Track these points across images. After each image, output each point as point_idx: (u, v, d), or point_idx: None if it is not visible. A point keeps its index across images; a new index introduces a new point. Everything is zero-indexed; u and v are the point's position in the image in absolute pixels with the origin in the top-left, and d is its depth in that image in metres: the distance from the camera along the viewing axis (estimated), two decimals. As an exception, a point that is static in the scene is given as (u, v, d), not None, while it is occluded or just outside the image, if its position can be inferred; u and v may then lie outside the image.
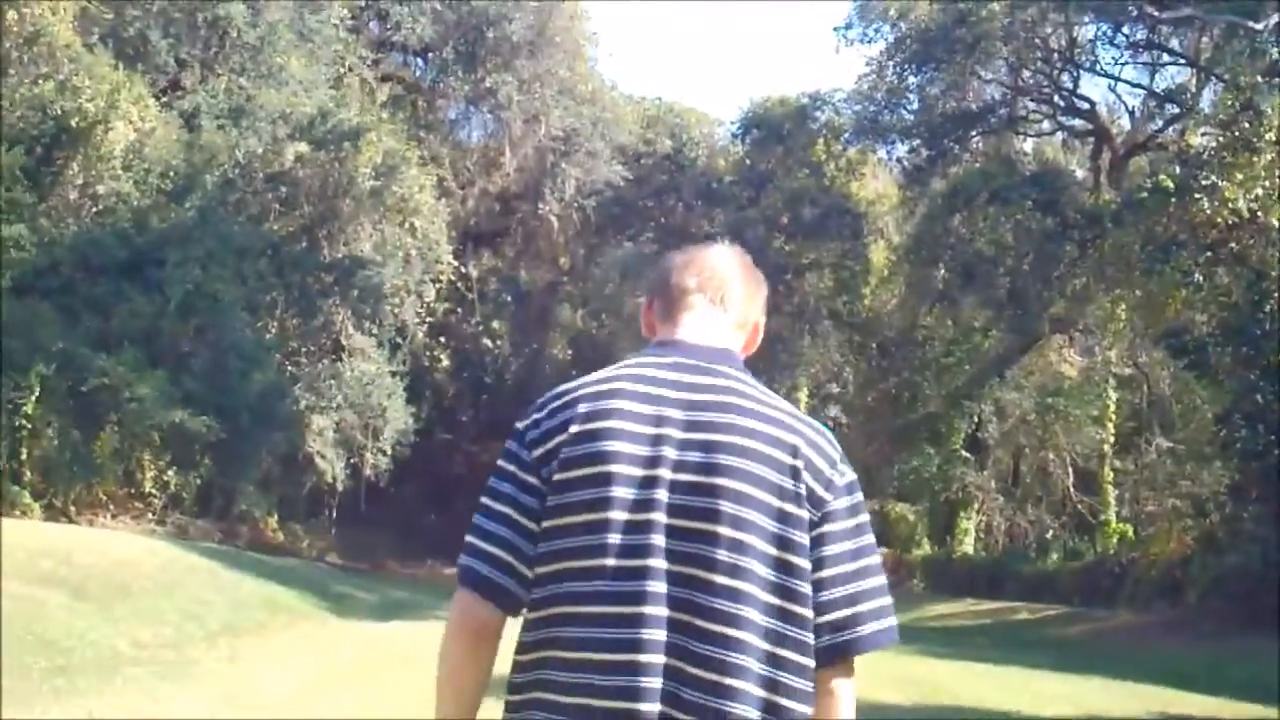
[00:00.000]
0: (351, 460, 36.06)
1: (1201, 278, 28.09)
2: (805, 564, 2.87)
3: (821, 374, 45.40)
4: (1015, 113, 42.69)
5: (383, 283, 36.10)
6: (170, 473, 30.94)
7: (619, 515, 2.85)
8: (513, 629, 3.09)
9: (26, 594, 17.11)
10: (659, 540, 2.83)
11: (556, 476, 2.92)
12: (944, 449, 42.07)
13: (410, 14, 42.57)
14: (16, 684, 13.20)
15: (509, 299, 48.16)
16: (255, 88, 35.70)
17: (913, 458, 42.45)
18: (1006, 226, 38.29)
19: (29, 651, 14.61)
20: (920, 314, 42.66)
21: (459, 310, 45.85)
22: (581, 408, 2.95)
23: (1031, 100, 42.86)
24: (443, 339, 45.04)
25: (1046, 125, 44.14)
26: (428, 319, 40.63)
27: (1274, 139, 26.32)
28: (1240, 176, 25.95)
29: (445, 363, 45.85)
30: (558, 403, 3.00)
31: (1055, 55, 40.18)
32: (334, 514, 38.32)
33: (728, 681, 2.80)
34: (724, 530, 2.84)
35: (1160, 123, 41.05)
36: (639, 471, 2.88)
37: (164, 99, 34.72)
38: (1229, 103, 28.72)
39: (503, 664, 3.10)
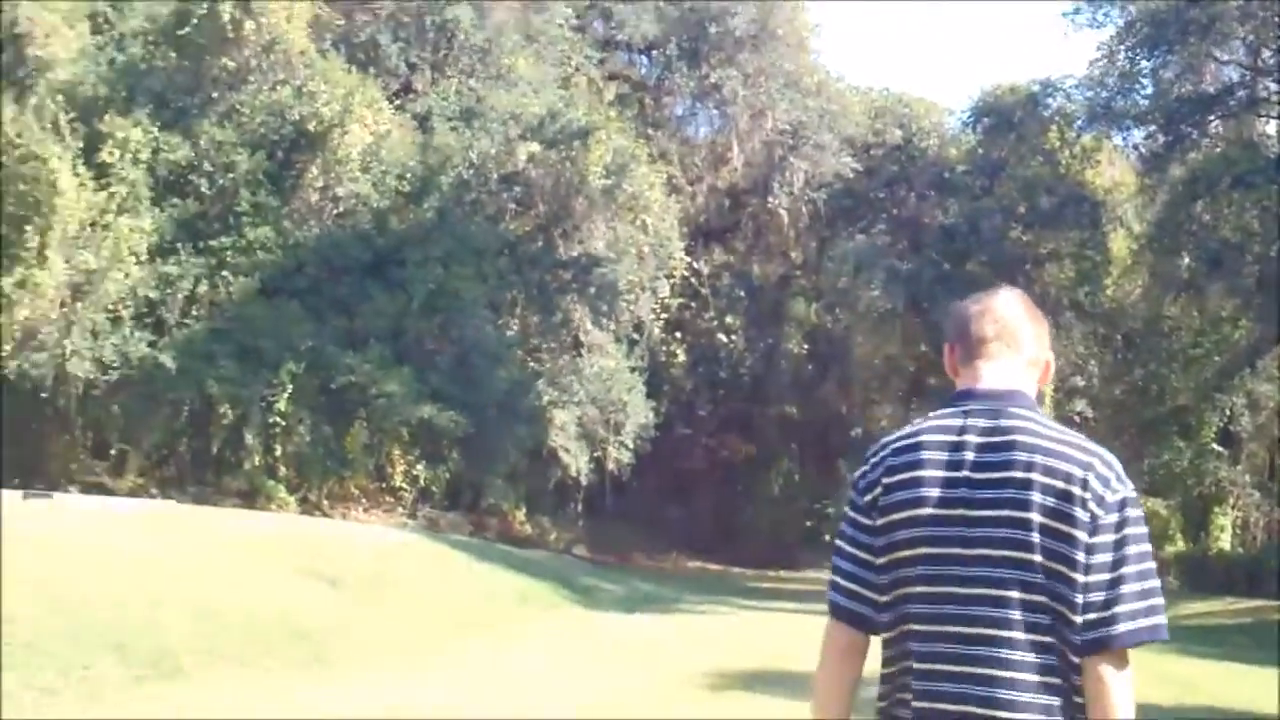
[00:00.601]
0: (594, 454, 36.35)
1: None
2: (1080, 577, 3.32)
3: (1066, 367, 44.14)
4: (1256, 94, 40.77)
5: (617, 280, 36.34)
6: (419, 467, 31.61)
7: (929, 550, 3.41)
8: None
9: (283, 585, 17.56)
10: (961, 570, 3.37)
11: (880, 520, 3.49)
12: (1195, 442, 40.58)
13: (634, 12, 42.85)
14: (275, 673, 13.52)
15: (741, 294, 47.98)
16: (485, 89, 36.36)
17: (1163, 451, 41.06)
18: (1252, 213, 36.72)
19: (287, 642, 14.96)
20: (1165, 304, 41.16)
21: (693, 306, 45.89)
22: (893, 460, 3.51)
23: (1273, 81, 40.93)
24: (678, 334, 45.13)
25: (1290, 106, 42.09)
26: (663, 315, 40.78)
27: None
28: None
29: (681, 358, 45.92)
30: (875, 457, 3.57)
31: (1297, 34, 38.25)
32: (580, 507, 38.73)
33: (1026, 678, 3.32)
34: (1011, 553, 3.34)
35: None
36: (941, 511, 3.41)
37: (397, 102, 35.57)
38: None
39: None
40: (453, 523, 32.05)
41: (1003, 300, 3.73)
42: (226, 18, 30.17)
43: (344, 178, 32.23)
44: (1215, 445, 40.41)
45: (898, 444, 3.55)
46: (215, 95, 32.05)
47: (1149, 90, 40.75)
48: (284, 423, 29.34)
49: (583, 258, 36.17)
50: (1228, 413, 40.41)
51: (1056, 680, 3.32)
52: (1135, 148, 43.89)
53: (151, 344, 29.02)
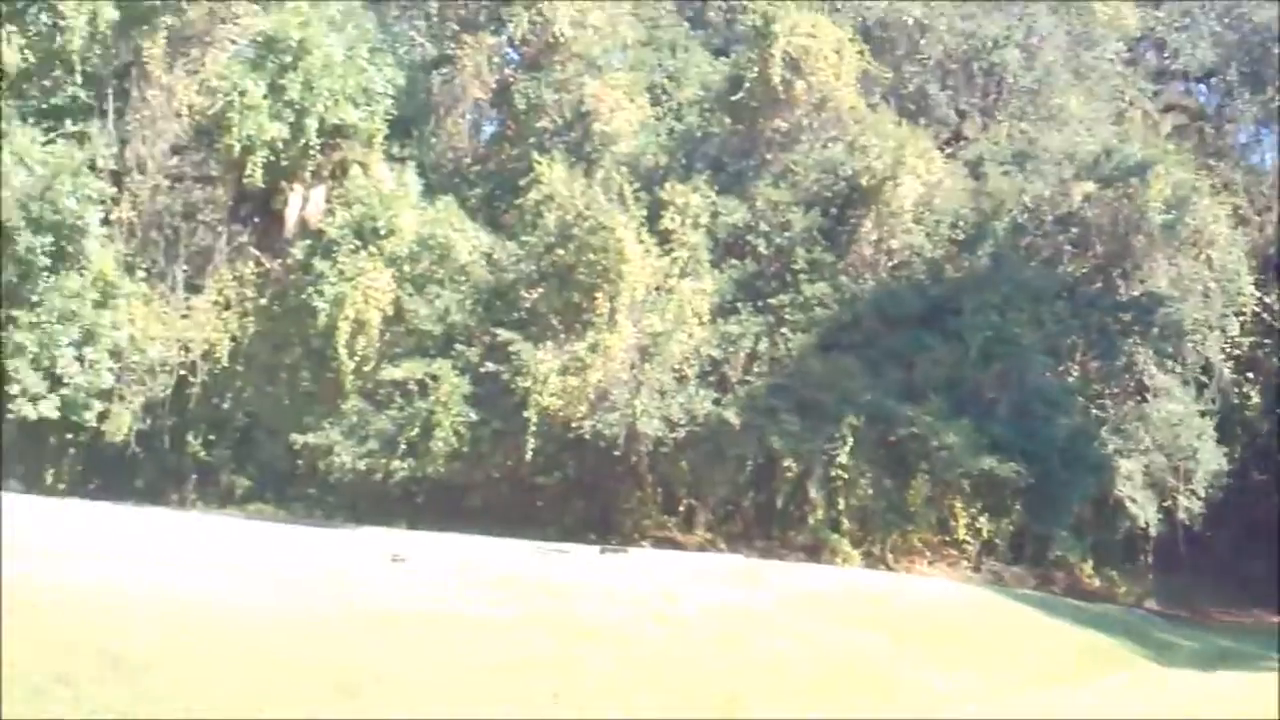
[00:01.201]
0: (1163, 504, 34.47)
1: None
2: None
3: None
4: None
5: (1182, 319, 34.46)
6: (982, 519, 30.92)
7: None
8: None
9: (846, 637, 17.46)
10: None
11: None
12: None
13: (1189, 39, 40.86)
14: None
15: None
16: (1036, 130, 35.67)
17: None
18: None
19: (850, 690, 14.81)
20: None
21: (1266, 344, 42.73)
22: None
23: None
24: (1250, 375, 42.13)
25: None
26: (1233, 354, 38.24)
27: None
28: None
29: (1255, 400, 42.82)
30: None
31: None
32: (1149, 559, 36.79)
33: None
34: None
35: None
36: None
37: (948, 150, 35.31)
38: None
39: None
40: (1017, 576, 31.18)
41: None
42: (777, 80, 30.89)
43: (897, 229, 32.24)
44: None
45: None
46: (769, 156, 32.90)
47: None
48: (846, 476, 29.42)
49: (1144, 297, 34.52)
50: None
51: None
52: None
53: (716, 401, 29.86)
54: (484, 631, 15.24)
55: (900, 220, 32.21)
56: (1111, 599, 33.05)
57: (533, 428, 28.50)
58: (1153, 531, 34.54)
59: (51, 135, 31.47)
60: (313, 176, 33.20)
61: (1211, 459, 34.76)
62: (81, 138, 31.70)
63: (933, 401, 29.83)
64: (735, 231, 32.08)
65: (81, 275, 30.69)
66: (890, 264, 32.67)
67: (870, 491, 30.07)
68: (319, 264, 31.38)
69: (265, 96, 31.62)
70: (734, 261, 31.89)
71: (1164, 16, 41.39)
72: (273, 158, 32.03)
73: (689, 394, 29.73)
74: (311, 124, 31.95)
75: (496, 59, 36.37)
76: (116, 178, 32.58)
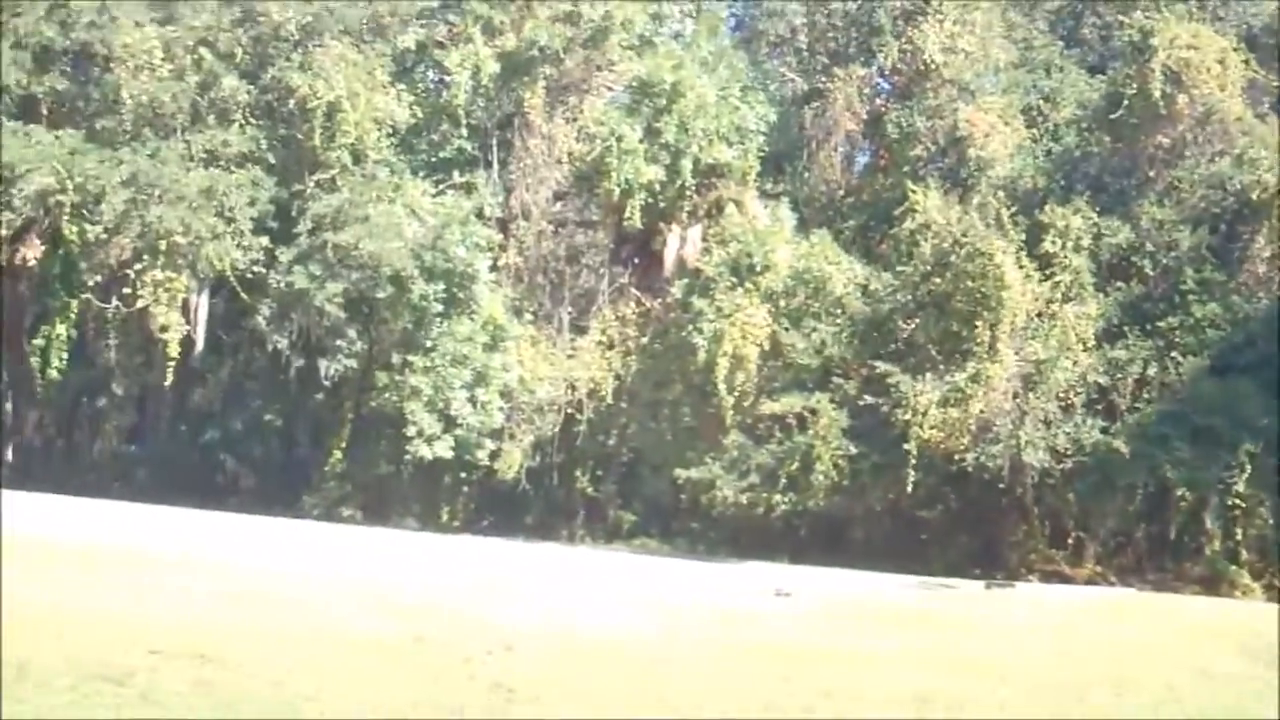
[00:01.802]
0: None
1: None
2: None
3: None
4: None
5: None
6: None
7: None
8: None
9: (1245, 673, 16.51)
10: None
11: None
12: None
13: None
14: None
15: None
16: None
17: None
18: None
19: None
20: None
21: None
22: None
23: None
24: None
25: None
26: None
27: None
28: None
29: None
30: None
31: None
32: None
33: None
34: None
35: None
36: None
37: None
38: None
39: None
40: None
41: None
42: (1158, 94, 29.70)
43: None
44: None
45: None
46: (1152, 174, 31.68)
47: None
48: (1244, 505, 27.91)
49: None
50: None
51: None
52: None
53: (1104, 430, 28.83)
54: (869, 666, 15.08)
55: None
56: None
57: (913, 460, 28.18)
58: None
59: (441, 187, 33.24)
60: (689, 216, 33.90)
61: None
62: (469, 188, 33.32)
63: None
64: (1119, 252, 30.99)
65: (472, 320, 32.16)
66: (1290, 281, 30.82)
67: (1271, 521, 28.43)
68: (697, 302, 31.93)
69: (642, 140, 32.54)
70: (1119, 284, 30.82)
71: None
72: (650, 199, 32.91)
73: (1075, 423, 28.82)
74: (687, 165, 32.68)
75: (867, 90, 36.36)
76: (503, 225, 34.06)
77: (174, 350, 31.61)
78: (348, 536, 27.28)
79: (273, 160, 32.43)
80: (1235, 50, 31.03)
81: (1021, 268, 28.65)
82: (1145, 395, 29.74)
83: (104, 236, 30.39)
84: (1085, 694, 14.09)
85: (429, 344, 31.92)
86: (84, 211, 30.33)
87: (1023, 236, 29.37)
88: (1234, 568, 28.14)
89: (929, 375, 28.53)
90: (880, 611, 19.83)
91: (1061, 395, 28.98)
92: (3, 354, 37.28)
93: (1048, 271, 29.66)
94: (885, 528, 32.77)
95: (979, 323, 28.21)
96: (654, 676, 13.58)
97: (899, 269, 30.53)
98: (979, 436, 28.66)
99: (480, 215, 32.85)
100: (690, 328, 31.96)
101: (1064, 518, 31.23)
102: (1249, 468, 27.60)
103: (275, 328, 32.35)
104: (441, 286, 31.75)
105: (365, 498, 36.16)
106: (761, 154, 33.99)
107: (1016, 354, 28.55)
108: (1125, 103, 30.57)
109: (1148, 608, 21.99)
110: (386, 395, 32.94)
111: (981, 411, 28.29)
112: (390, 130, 32.83)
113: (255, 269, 31.73)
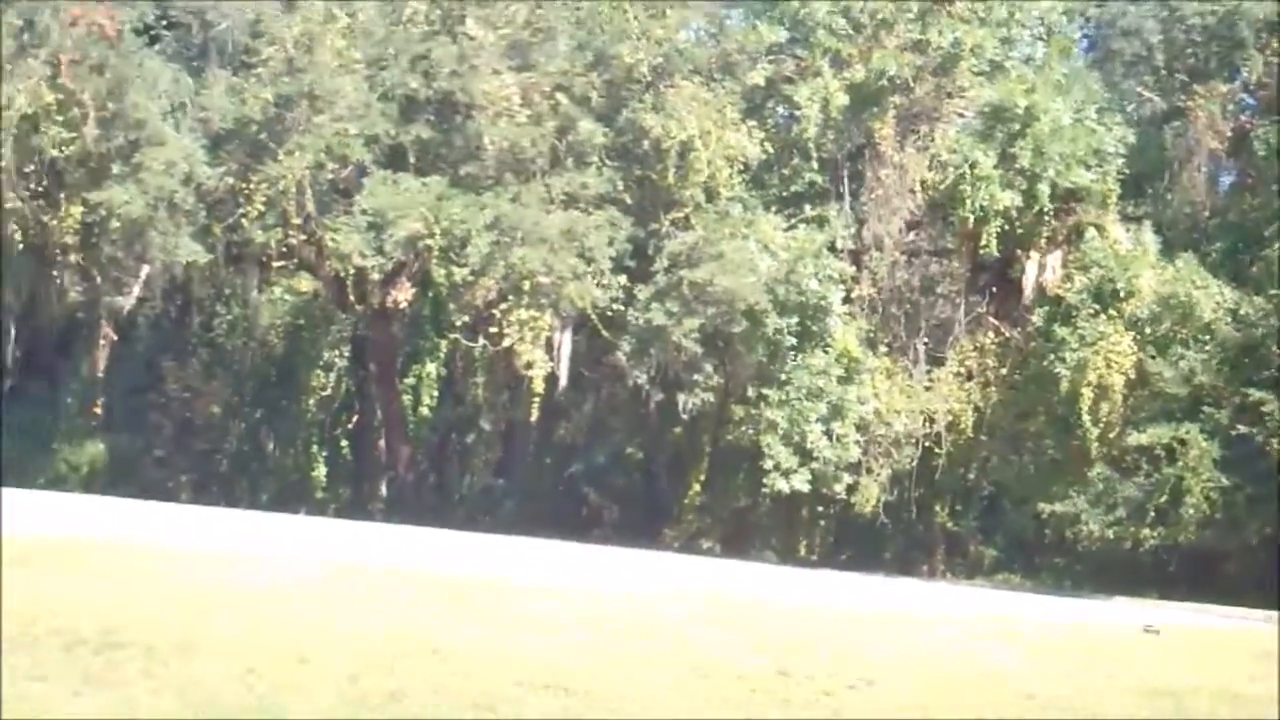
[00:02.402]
0: None
1: None
2: None
3: None
4: None
5: None
6: None
7: None
8: None
9: None
10: None
11: None
12: None
13: None
14: None
15: None
16: None
17: None
18: None
19: None
20: None
21: None
22: None
23: None
24: None
25: None
26: None
27: None
28: None
29: None
30: None
31: None
32: None
33: None
34: None
35: None
36: None
37: None
38: None
39: None
40: None
41: None
42: None
43: None
44: None
45: None
46: None
47: None
48: None
49: None
50: None
51: None
52: None
53: None
54: (1243, 707, 14.34)
55: None
56: None
57: (1291, 492, 26.75)
58: None
59: (792, 221, 33.39)
60: (1047, 242, 33.11)
61: None
62: (820, 221, 33.35)
63: None
64: None
65: (826, 353, 32.15)
66: None
67: None
68: (1059, 330, 31.24)
69: (996, 166, 32.00)
70: None
71: None
72: (1006, 226, 32.32)
73: None
74: (1044, 190, 31.95)
75: (1230, 106, 34.86)
76: (855, 257, 33.94)
77: (538, 386, 32.72)
78: (708, 568, 27.57)
79: (629, 200, 33.19)
80: None
81: None
82: None
83: (470, 278, 31.65)
84: None
85: (784, 377, 32.04)
86: (451, 254, 31.67)
87: None
88: None
89: (1308, 403, 27.09)
90: (1255, 650, 18.80)
91: None
92: (377, 393, 39.44)
93: None
94: (1260, 563, 31.11)
95: None
96: (1020, 711, 13.25)
97: (1270, 292, 29.15)
98: None
99: (832, 248, 32.84)
100: (1052, 357, 31.29)
101: None
102: None
103: (635, 363, 33.00)
104: (795, 320, 31.86)
105: (724, 530, 36.57)
106: (1121, 176, 32.92)
107: None
108: None
109: None
110: (743, 429, 33.27)
111: None
112: (742, 167, 33.17)
113: (614, 306, 32.49)
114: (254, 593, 15.91)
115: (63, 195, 31.72)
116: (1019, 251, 33.26)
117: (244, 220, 32.13)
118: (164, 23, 33.89)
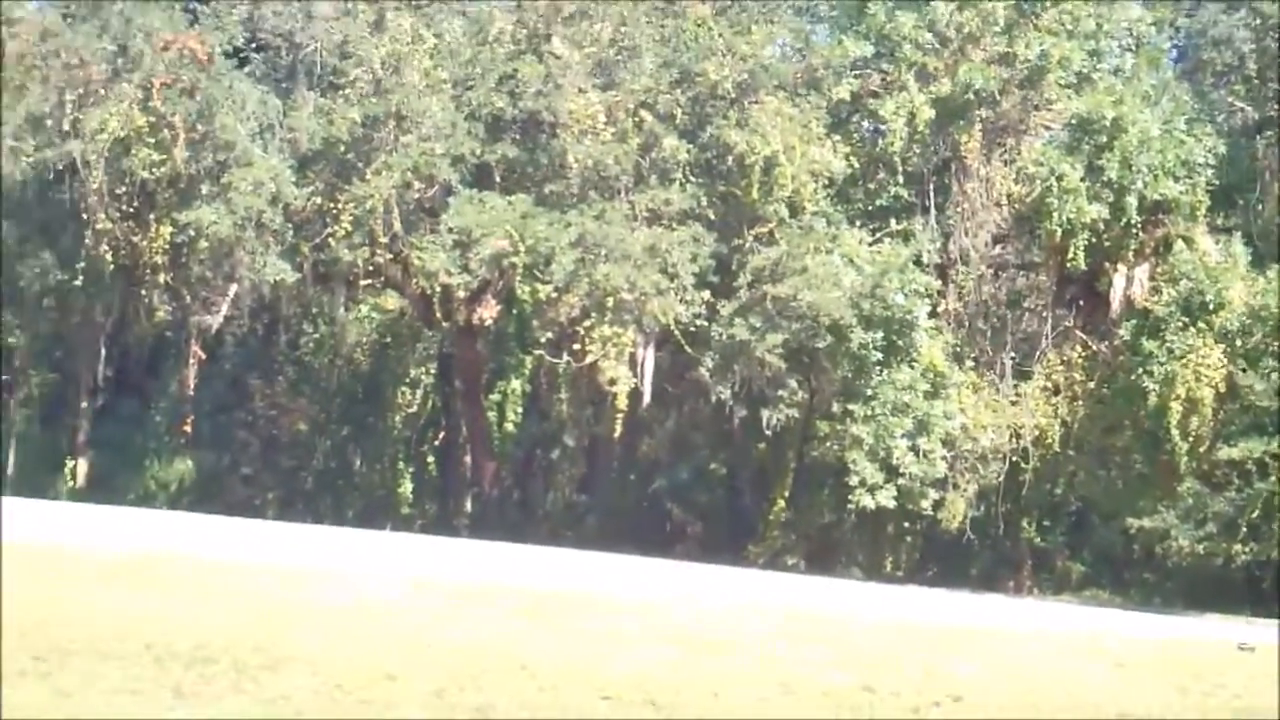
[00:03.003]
0: None
1: None
2: None
3: None
4: None
5: None
6: None
7: None
8: None
9: None
10: None
11: None
12: None
13: None
14: None
15: None
16: None
17: None
18: None
19: None
20: None
21: None
22: None
23: None
24: None
25: None
26: None
27: None
28: None
29: None
30: None
31: None
32: None
33: None
34: None
35: None
36: None
37: None
38: None
39: None
40: None
41: None
42: None
43: None
44: None
45: None
46: None
47: None
48: None
49: None
50: None
51: None
52: None
53: None
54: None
55: None
56: None
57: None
58: None
59: (878, 235, 33.25)
60: (1135, 255, 32.74)
61: None
62: (906, 235, 33.17)
63: None
64: None
65: (912, 368, 31.95)
66: None
67: None
68: (1147, 343, 30.90)
69: (1083, 178, 31.74)
70: None
71: None
72: (1093, 239, 32.03)
73: None
74: (1131, 202, 31.63)
75: (1324, 115, 34.26)
76: (941, 271, 33.73)
77: (622, 402, 32.77)
78: (792, 585, 27.49)
79: (712, 216, 33.14)
80: None
81: None
82: None
83: (554, 295, 31.76)
84: None
85: (869, 393, 31.88)
86: (535, 272, 31.83)
87: None
88: None
89: None
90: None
91: None
92: (463, 409, 39.71)
93: None
94: (1356, 579, 30.59)
95: None
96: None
97: (1366, 305, 28.66)
98: None
99: (918, 262, 32.64)
100: (1140, 371, 30.93)
101: None
102: None
103: (718, 379, 32.94)
104: (880, 334, 31.71)
105: (809, 546, 36.38)
106: (1210, 188, 32.47)
107: None
108: None
109: None
110: (828, 444, 33.11)
111: None
112: (826, 181, 33.05)
113: (698, 322, 32.46)
114: (340, 609, 16.08)
115: (152, 216, 32.32)
116: (1106, 264, 32.89)
117: (331, 239, 32.51)
118: (253, 45, 34.32)
